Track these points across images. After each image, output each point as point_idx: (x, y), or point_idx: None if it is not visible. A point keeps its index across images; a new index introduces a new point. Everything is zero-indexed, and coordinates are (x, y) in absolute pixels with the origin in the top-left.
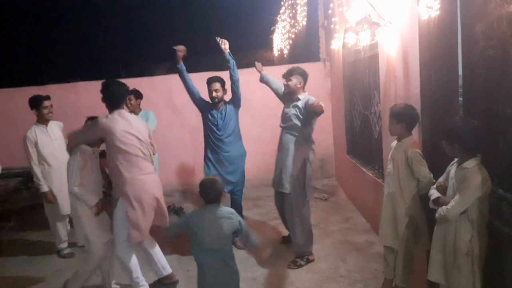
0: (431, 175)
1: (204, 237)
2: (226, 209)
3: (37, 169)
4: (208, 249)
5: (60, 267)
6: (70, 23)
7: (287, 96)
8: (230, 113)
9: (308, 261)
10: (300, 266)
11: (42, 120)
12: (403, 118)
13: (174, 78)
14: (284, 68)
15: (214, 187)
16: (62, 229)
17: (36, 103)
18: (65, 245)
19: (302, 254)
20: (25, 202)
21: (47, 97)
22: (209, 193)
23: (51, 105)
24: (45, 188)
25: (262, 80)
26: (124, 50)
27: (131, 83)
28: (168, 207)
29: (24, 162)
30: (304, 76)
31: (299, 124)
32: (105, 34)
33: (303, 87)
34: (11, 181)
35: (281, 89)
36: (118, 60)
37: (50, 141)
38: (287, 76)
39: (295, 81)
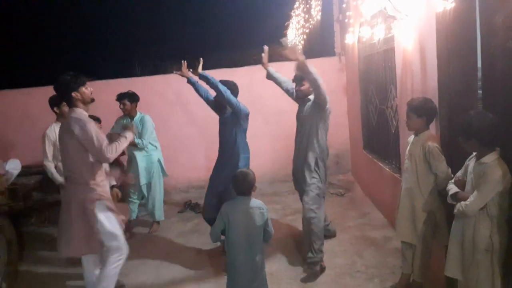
0: (449, 170)
1: (237, 228)
2: (257, 201)
3: (50, 165)
4: (240, 240)
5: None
6: (85, 21)
7: (300, 100)
8: (228, 121)
9: (322, 270)
10: (317, 275)
11: (63, 118)
12: (424, 112)
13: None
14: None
15: (247, 180)
16: None
17: (57, 101)
18: None
19: (315, 262)
20: (46, 199)
21: None
22: (241, 186)
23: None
24: (60, 179)
25: (269, 77)
26: (139, 47)
27: (146, 80)
28: (185, 203)
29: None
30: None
31: (315, 126)
32: (120, 32)
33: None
34: (31, 178)
35: (292, 89)
36: (133, 58)
37: None
38: (299, 81)
39: (307, 85)
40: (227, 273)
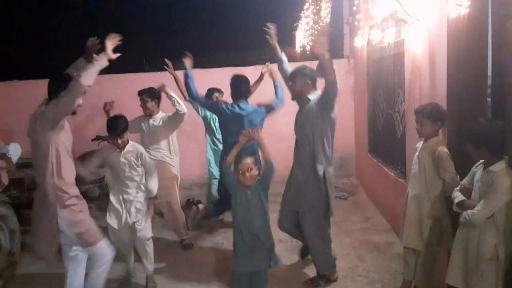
0: (458, 177)
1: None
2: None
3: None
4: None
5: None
6: (95, 15)
7: (298, 102)
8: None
9: (328, 281)
10: (318, 286)
11: None
12: (438, 117)
13: (197, 72)
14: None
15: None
16: None
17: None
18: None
19: (323, 274)
20: None
21: None
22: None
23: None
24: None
25: (280, 66)
26: (148, 43)
27: (154, 77)
28: (187, 201)
29: None
30: (309, 74)
31: (314, 132)
32: (128, 27)
33: (313, 86)
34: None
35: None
36: (141, 53)
37: None
38: (291, 79)
39: (300, 82)
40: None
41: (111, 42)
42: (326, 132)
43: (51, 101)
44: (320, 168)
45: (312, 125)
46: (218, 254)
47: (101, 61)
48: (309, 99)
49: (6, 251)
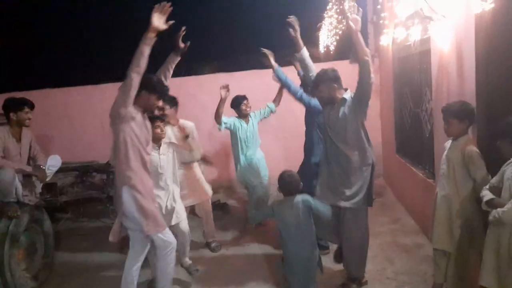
0: (489, 176)
1: (287, 226)
2: (300, 196)
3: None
4: (291, 235)
5: (112, 255)
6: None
7: (328, 106)
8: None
9: (361, 285)
10: None
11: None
12: (466, 116)
13: (222, 77)
14: (330, 65)
15: (293, 181)
16: None
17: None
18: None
19: (355, 277)
20: (81, 195)
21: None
22: (287, 187)
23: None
24: None
25: (278, 76)
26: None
27: (177, 82)
28: (213, 203)
29: (80, 157)
30: (331, 77)
31: (353, 125)
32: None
33: (339, 87)
34: (68, 175)
35: (302, 92)
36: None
37: None
38: (314, 90)
39: (325, 88)
40: (285, 268)
41: (159, 12)
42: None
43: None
44: (370, 157)
45: (351, 122)
46: (246, 257)
47: (144, 39)
48: (345, 99)
49: (40, 253)
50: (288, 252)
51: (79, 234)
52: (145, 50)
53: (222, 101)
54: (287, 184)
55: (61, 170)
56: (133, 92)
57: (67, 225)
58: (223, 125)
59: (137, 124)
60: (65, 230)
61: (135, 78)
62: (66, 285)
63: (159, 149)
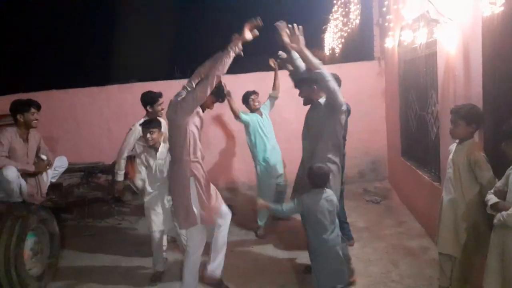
0: (496, 179)
1: (313, 219)
2: (327, 191)
3: (122, 162)
4: (318, 228)
5: (117, 256)
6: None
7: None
8: None
9: (349, 284)
10: None
11: (155, 115)
12: (473, 119)
13: (230, 79)
14: (335, 68)
15: (322, 173)
16: None
17: (151, 100)
18: None
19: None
20: (86, 195)
21: (160, 95)
22: (315, 179)
23: (163, 102)
24: (121, 178)
25: (295, 64)
26: (179, 50)
27: (183, 83)
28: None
29: (85, 158)
30: (314, 79)
31: (326, 127)
32: (159, 34)
33: (320, 90)
34: (74, 175)
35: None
36: (172, 60)
37: None
38: (298, 88)
39: (305, 89)
40: (312, 263)
41: (250, 25)
42: (336, 131)
43: (191, 90)
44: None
45: (321, 123)
46: (251, 259)
47: (234, 47)
48: (319, 103)
49: (46, 253)
50: (320, 240)
51: (84, 235)
52: (232, 57)
53: (229, 100)
54: (317, 176)
55: (67, 170)
56: (210, 91)
57: (72, 226)
58: (242, 115)
59: (196, 120)
60: (70, 231)
61: (216, 79)
62: (71, 285)
63: (155, 154)
